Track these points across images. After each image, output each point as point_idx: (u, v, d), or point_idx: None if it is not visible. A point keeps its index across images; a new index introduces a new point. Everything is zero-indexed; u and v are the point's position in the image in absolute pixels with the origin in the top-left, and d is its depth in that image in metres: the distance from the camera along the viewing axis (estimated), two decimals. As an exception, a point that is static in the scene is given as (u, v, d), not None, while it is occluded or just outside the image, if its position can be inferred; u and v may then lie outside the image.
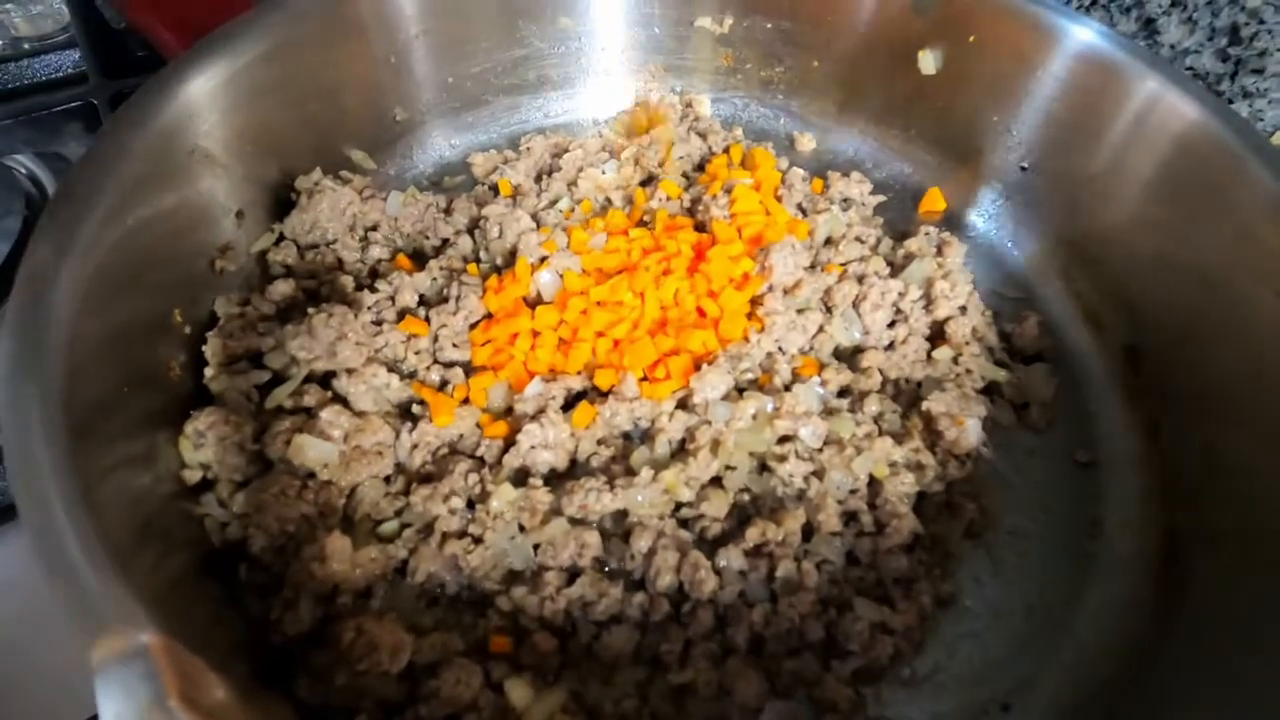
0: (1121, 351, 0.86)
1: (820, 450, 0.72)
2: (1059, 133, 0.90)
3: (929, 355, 0.83)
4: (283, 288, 0.80)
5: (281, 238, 0.86)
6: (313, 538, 0.64)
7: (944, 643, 0.68)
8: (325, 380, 0.75)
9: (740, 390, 0.76)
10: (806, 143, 1.09)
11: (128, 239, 0.65)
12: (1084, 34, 0.85)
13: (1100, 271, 0.90)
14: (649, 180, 0.97)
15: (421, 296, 0.84)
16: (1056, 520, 0.76)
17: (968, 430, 0.75)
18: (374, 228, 0.90)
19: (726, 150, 0.98)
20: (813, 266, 0.85)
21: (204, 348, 0.73)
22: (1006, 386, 0.83)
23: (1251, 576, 0.64)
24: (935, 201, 1.02)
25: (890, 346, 0.83)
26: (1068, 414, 0.84)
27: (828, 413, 0.75)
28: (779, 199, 0.91)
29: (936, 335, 0.84)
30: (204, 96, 0.75)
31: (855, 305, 0.83)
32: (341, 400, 0.73)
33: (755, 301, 0.81)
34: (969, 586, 0.72)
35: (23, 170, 1.04)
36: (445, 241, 0.91)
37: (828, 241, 0.89)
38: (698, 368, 0.76)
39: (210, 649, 0.56)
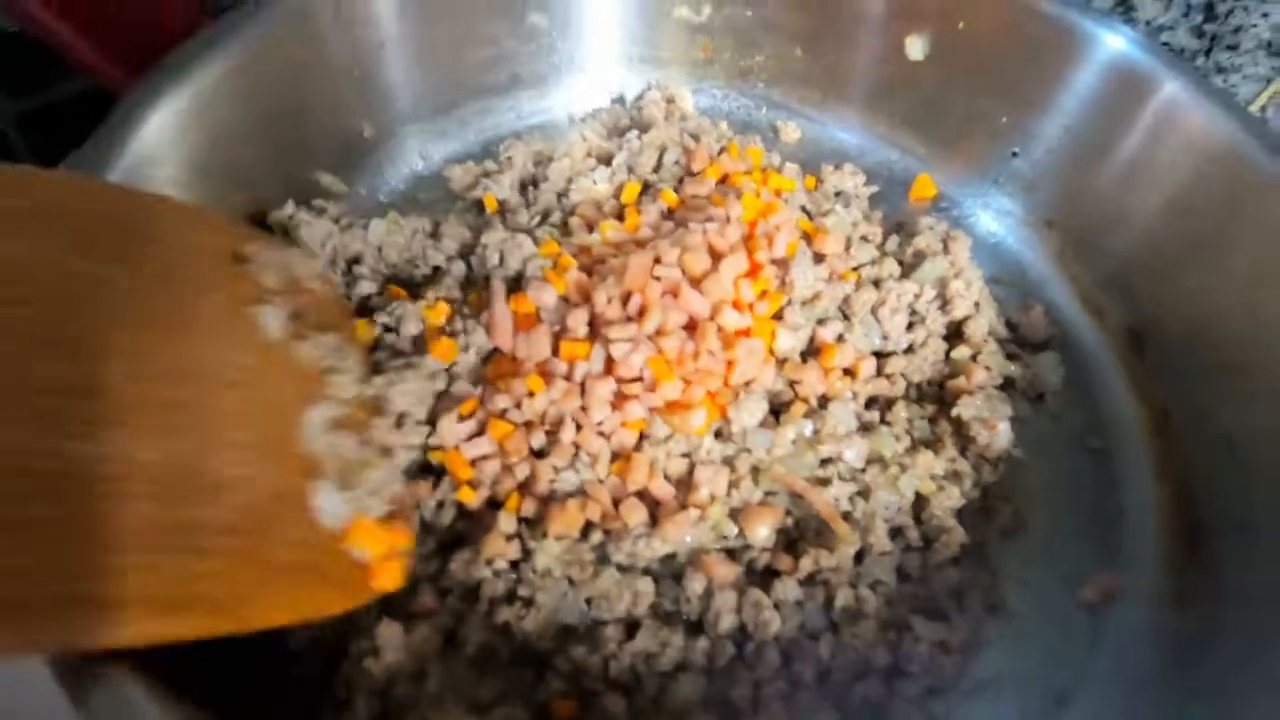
0: (1124, 336, 0.88)
1: (863, 470, 0.71)
2: (1051, 117, 0.90)
3: (947, 355, 0.83)
4: (272, 341, 0.72)
5: (257, 280, 0.79)
6: (353, 624, 0.60)
7: (996, 648, 0.69)
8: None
9: (775, 413, 0.74)
10: (790, 132, 1.06)
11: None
12: (1074, 15, 0.85)
13: (1096, 255, 0.91)
14: (645, 188, 0.93)
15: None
16: (1080, 512, 0.78)
17: (1000, 433, 0.75)
18: (357, 260, 0.83)
19: (722, 151, 0.94)
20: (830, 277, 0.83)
21: (195, 419, 0.66)
22: (1020, 379, 0.84)
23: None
24: (925, 188, 1.02)
25: (909, 350, 0.82)
26: (1077, 401, 0.86)
27: (864, 429, 0.74)
28: (785, 201, 0.88)
29: (952, 334, 0.84)
30: (162, 137, 0.66)
31: (874, 311, 0.81)
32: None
33: (776, 317, 0.79)
34: (1011, 588, 0.73)
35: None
36: (436, 270, 0.85)
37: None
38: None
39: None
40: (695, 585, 0.66)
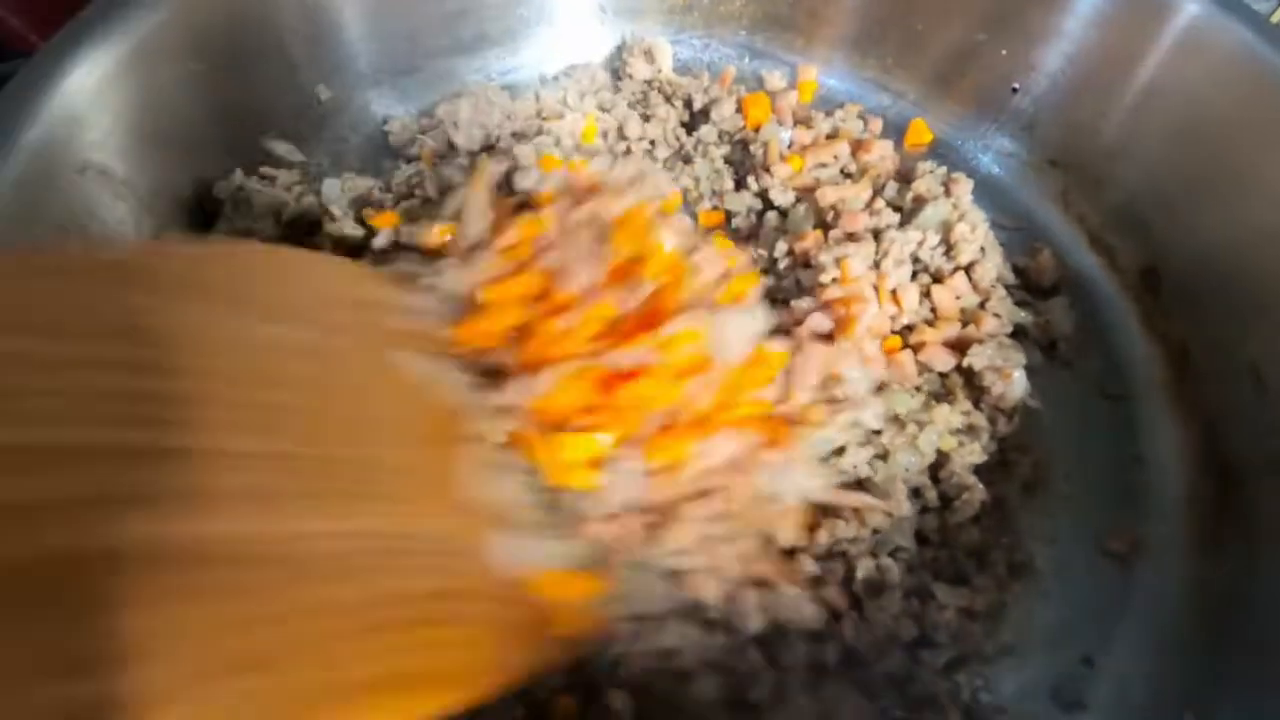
0: (1136, 274, 0.83)
1: (879, 432, 0.66)
2: (1054, 45, 0.85)
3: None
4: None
5: (209, 259, 0.72)
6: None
7: (1018, 609, 0.65)
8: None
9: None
10: (776, 81, 1.00)
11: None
12: (1078, -62, 0.80)
13: (1104, 192, 0.86)
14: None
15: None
16: (1101, 461, 0.74)
17: (1014, 382, 0.71)
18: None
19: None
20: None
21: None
22: (1032, 326, 0.79)
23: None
24: (921, 134, 0.96)
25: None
26: (1090, 346, 0.81)
27: (877, 388, 0.69)
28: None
29: (959, 282, 0.79)
30: (88, 96, 0.59)
31: (876, 264, 0.76)
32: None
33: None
34: (1035, 546, 0.69)
35: None
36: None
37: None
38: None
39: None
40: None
